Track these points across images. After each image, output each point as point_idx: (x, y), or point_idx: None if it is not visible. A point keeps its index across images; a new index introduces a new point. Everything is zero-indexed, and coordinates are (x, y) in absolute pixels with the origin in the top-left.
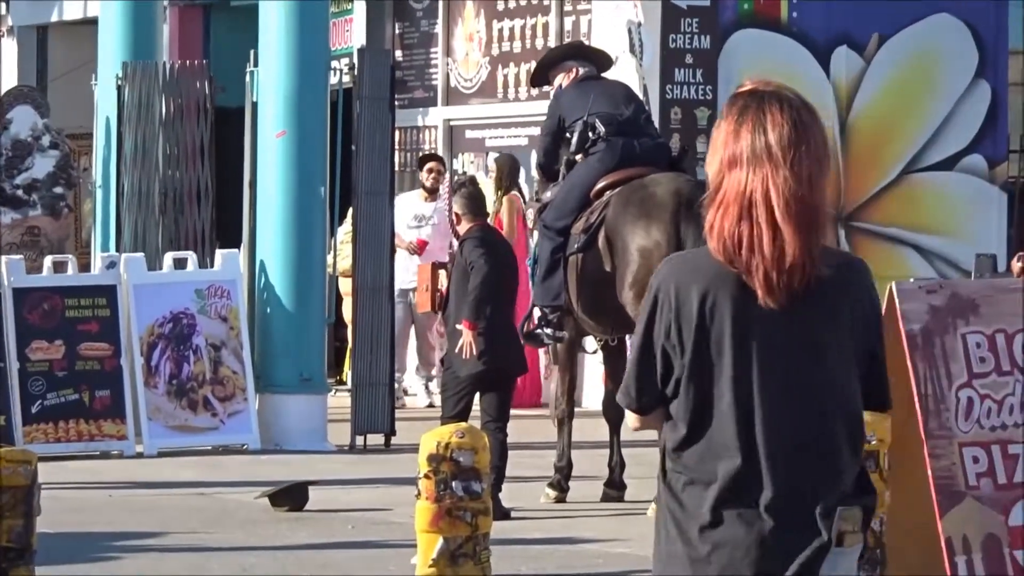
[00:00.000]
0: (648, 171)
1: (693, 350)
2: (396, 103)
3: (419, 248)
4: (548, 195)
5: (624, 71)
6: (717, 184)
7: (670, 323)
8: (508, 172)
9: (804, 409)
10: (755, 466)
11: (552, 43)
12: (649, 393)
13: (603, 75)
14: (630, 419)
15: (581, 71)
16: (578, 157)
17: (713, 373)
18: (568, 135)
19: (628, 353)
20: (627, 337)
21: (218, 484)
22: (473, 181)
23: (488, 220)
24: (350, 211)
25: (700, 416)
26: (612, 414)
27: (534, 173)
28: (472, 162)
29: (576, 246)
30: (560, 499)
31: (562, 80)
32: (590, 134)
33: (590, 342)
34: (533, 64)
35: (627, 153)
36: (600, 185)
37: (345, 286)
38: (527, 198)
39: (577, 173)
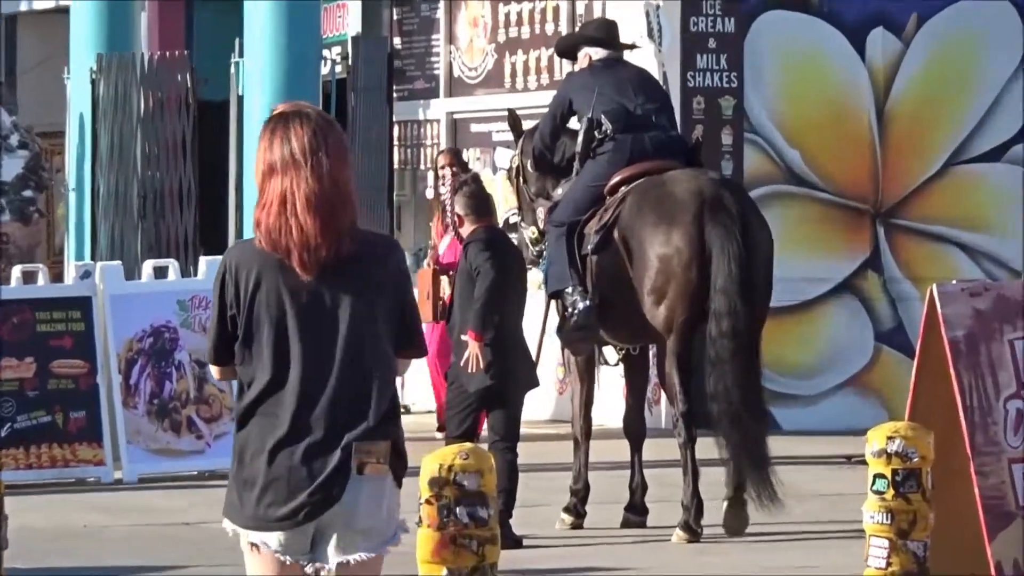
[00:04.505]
0: (666, 166)
1: (248, 316)
2: (394, 95)
3: None
4: (559, 192)
5: (642, 57)
6: (261, 188)
7: (233, 295)
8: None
9: (338, 358)
10: (299, 407)
11: (564, 28)
12: (225, 349)
13: (622, 59)
14: (213, 371)
15: (595, 57)
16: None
17: (265, 334)
18: (579, 123)
19: (207, 323)
20: (650, 347)
21: (204, 513)
22: (476, 179)
23: (494, 221)
24: None
25: (257, 369)
26: (633, 431)
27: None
28: (478, 158)
29: (590, 246)
30: (577, 525)
31: (580, 62)
32: (595, 133)
33: (610, 353)
34: (543, 51)
35: (637, 150)
36: (615, 180)
37: None
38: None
39: (587, 171)
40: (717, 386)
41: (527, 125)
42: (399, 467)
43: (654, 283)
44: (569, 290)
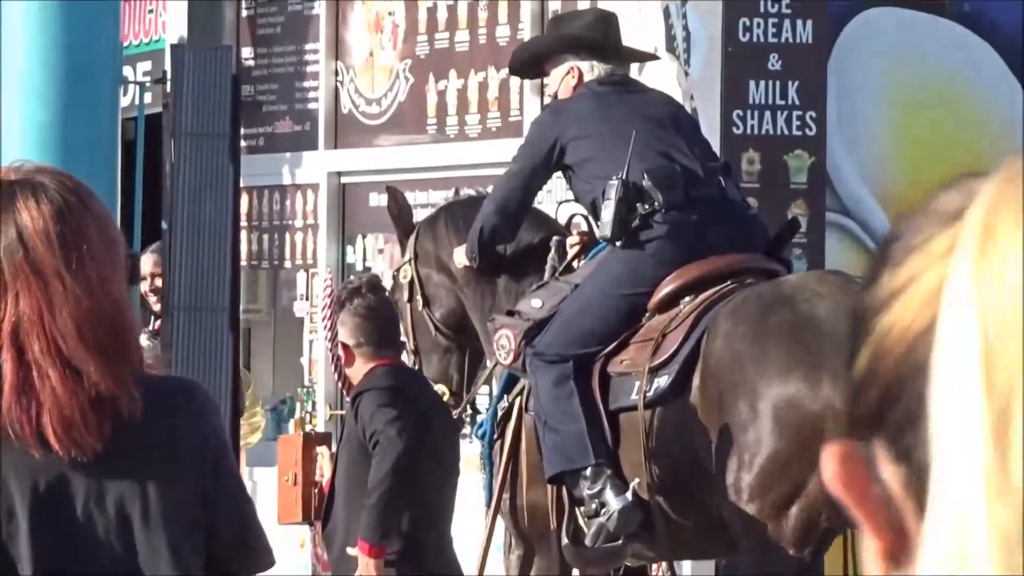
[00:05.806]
0: (754, 264)
1: None
2: (244, 143)
3: None
4: (535, 304)
5: (660, 83)
6: None
7: None
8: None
9: None
10: None
11: (527, 33)
12: None
13: (631, 80)
14: None
15: (589, 75)
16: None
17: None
18: (601, 198)
19: None
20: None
21: None
22: (375, 286)
23: (403, 356)
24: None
25: None
26: None
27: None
28: (380, 250)
29: (639, 395)
30: None
31: (561, 84)
32: (639, 207)
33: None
34: (492, 72)
35: (701, 237)
36: (669, 288)
37: None
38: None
39: (609, 268)
40: None
41: (468, 193)
42: None
43: (775, 461)
44: (588, 473)
